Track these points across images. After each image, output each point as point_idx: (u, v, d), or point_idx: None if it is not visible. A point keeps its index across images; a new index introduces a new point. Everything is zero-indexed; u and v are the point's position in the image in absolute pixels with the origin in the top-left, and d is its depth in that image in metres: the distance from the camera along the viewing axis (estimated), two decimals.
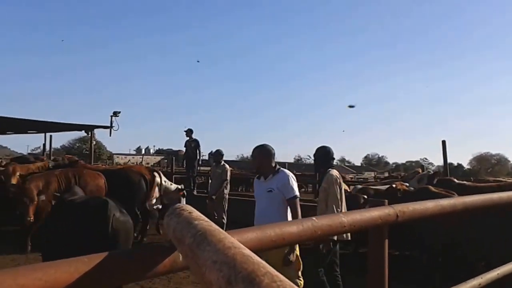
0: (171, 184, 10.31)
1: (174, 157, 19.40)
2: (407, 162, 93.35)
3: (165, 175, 10.51)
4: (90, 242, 3.80)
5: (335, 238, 4.84)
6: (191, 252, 0.97)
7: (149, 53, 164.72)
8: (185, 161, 14.38)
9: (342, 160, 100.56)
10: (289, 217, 4.25)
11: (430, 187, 6.97)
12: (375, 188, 9.33)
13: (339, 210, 5.00)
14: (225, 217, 9.43)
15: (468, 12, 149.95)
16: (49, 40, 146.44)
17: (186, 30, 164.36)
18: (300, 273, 4.41)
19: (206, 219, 1.14)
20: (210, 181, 11.37)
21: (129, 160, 61.48)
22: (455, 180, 8.50)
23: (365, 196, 7.34)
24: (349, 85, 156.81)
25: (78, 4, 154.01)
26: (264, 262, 0.78)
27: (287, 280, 0.73)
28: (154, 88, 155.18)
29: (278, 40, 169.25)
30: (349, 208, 5.07)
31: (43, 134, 19.99)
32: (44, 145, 19.91)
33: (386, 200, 2.31)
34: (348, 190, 9.36)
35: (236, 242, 0.92)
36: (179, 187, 10.36)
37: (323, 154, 5.43)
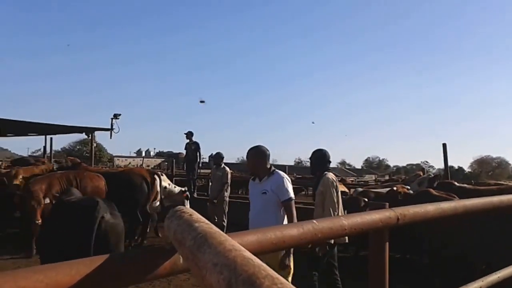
0: (174, 187, 10.34)
1: (174, 160, 19.43)
2: (407, 165, 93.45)
3: None
4: (79, 243, 3.85)
5: (332, 241, 4.83)
6: (191, 254, 0.97)
7: (149, 55, 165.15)
8: (186, 164, 14.37)
9: (343, 163, 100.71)
10: (285, 220, 4.21)
11: (431, 190, 6.96)
12: (375, 191, 9.34)
13: (336, 213, 4.99)
14: (225, 220, 9.42)
15: (468, 14, 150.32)
16: (50, 41, 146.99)
17: (186, 31, 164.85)
18: (290, 277, 4.34)
19: (207, 221, 1.14)
20: (210, 183, 11.37)
21: (129, 163, 61.49)
22: (456, 183, 8.49)
23: (366, 199, 7.34)
24: (349, 87, 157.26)
25: (78, 5, 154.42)
26: (264, 265, 0.79)
27: (287, 282, 0.73)
28: (155, 90, 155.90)
29: (279, 42, 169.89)
30: (350, 211, 5.07)
31: (43, 136, 19.96)
32: (45, 147, 19.87)
33: (387, 203, 2.31)
34: (349, 193, 9.38)
35: (237, 244, 0.92)
36: (183, 189, 10.39)
37: (319, 157, 5.42)
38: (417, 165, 78.10)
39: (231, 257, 0.83)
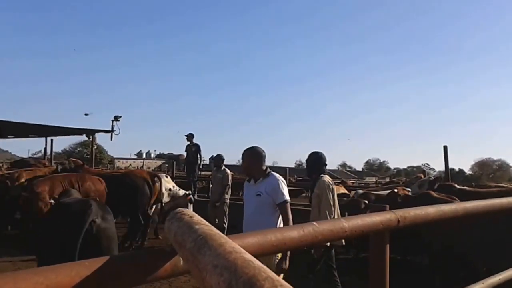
0: (179, 190, 10.37)
1: (174, 162, 19.45)
2: (408, 167, 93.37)
3: None
4: (66, 246, 3.86)
5: (328, 243, 4.82)
6: (192, 256, 0.97)
7: (150, 56, 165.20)
8: (186, 166, 14.38)
9: (344, 165, 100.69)
10: (280, 222, 4.15)
11: (432, 192, 6.96)
12: (376, 193, 9.33)
13: (332, 216, 4.99)
14: (226, 222, 9.42)
15: (468, 17, 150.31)
16: (50, 42, 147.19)
17: (187, 33, 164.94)
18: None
19: (207, 223, 1.14)
20: (211, 185, 11.37)
21: (130, 165, 61.54)
22: (456, 185, 8.48)
23: (366, 201, 7.34)
24: (350, 90, 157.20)
25: (79, 6, 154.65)
26: (265, 267, 0.78)
27: (288, 284, 0.73)
28: (155, 92, 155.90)
29: (280, 44, 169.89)
30: (350, 213, 5.07)
31: (44, 138, 20.01)
32: (45, 149, 19.90)
33: (388, 205, 2.31)
34: (351, 195, 9.37)
35: (237, 246, 0.92)
36: (187, 192, 10.41)
37: (315, 160, 5.42)
38: (418, 167, 78.21)
39: (232, 259, 0.83)
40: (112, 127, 17.84)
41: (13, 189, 8.31)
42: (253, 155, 4.36)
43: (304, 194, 20.88)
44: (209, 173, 16.02)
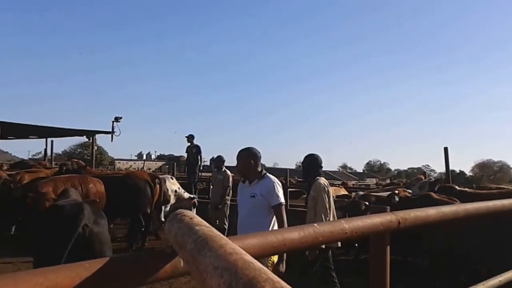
0: (184, 192, 10.39)
1: (175, 163, 19.41)
2: (409, 168, 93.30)
3: None
4: (56, 249, 3.90)
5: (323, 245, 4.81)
6: (192, 257, 0.97)
7: (150, 58, 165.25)
8: (186, 167, 14.37)
9: (344, 166, 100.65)
10: (274, 225, 4.09)
11: (432, 193, 6.95)
12: (376, 194, 9.32)
13: (327, 218, 5.00)
14: (226, 223, 9.42)
15: (468, 18, 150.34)
16: (50, 43, 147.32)
17: (188, 34, 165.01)
18: None
19: (208, 224, 1.14)
20: (211, 187, 11.37)
21: (130, 166, 61.48)
22: (457, 187, 8.47)
23: (366, 203, 7.34)
24: (351, 91, 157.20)
25: (79, 7, 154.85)
26: (265, 268, 0.78)
27: (288, 286, 0.73)
28: (156, 93, 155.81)
29: (281, 45, 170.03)
30: (351, 214, 5.07)
31: (44, 139, 20.02)
32: (46, 150, 19.91)
33: (388, 207, 2.31)
34: (352, 197, 9.37)
35: (238, 248, 0.92)
36: (192, 196, 10.43)
37: (311, 162, 5.42)
38: (419, 168, 78.10)
39: (232, 260, 0.82)
40: (113, 128, 17.87)
41: (15, 190, 8.31)
42: (249, 156, 4.27)
43: (304, 196, 20.86)
44: (210, 174, 16.02)
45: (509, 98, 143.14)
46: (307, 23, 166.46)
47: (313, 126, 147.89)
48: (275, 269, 3.97)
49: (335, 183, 22.61)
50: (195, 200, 10.43)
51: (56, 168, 11.26)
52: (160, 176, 10.97)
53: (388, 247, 2.22)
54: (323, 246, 4.82)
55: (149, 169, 47.90)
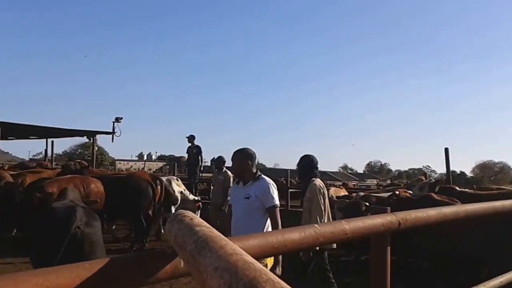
0: (189, 194, 10.41)
1: (176, 163, 19.41)
2: (409, 169, 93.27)
3: None
4: (50, 250, 4.07)
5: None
6: (192, 258, 0.97)
7: (150, 58, 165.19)
8: (187, 167, 14.39)
9: (345, 167, 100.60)
10: (268, 226, 4.06)
11: (433, 194, 6.94)
12: (377, 195, 9.31)
13: (323, 220, 5.00)
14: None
15: (469, 19, 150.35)
16: (51, 43, 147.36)
17: (188, 34, 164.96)
18: None
19: (208, 225, 1.14)
20: (212, 187, 11.38)
21: (131, 166, 61.49)
22: (457, 188, 8.47)
23: (367, 203, 7.33)
24: (351, 91, 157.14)
25: (79, 7, 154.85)
26: (266, 269, 0.78)
27: (289, 287, 0.73)
28: (156, 93, 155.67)
29: (281, 45, 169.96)
30: (351, 215, 5.06)
31: (44, 140, 20.02)
32: (46, 150, 19.92)
33: (389, 207, 2.31)
34: (354, 197, 9.37)
35: (238, 248, 0.92)
36: (196, 198, 10.44)
37: (307, 163, 5.41)
38: (419, 169, 78.00)
39: (232, 261, 0.82)
40: (113, 129, 17.89)
41: (19, 191, 8.32)
42: (246, 157, 4.24)
43: None
44: (210, 175, 16.02)
45: (510, 99, 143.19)
46: (307, 23, 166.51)
47: (313, 127, 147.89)
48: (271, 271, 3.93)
49: (335, 184, 22.62)
50: (199, 203, 10.46)
51: (58, 169, 11.26)
52: (167, 177, 11.04)
53: (389, 247, 2.22)
54: (317, 248, 4.82)
55: (150, 169, 47.88)
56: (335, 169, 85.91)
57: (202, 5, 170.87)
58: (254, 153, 4.31)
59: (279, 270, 3.98)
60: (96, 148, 20.70)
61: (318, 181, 5.22)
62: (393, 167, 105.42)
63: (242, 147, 4.34)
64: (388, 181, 40.52)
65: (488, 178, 76.52)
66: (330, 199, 8.09)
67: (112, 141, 18.03)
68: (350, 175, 72.33)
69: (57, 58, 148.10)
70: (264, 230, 3.95)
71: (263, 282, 0.72)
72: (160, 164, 75.98)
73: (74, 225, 4.19)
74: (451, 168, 11.38)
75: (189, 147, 13.71)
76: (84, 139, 22.20)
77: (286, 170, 14.83)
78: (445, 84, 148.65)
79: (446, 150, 10.83)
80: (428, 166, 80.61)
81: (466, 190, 9.05)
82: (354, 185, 26.75)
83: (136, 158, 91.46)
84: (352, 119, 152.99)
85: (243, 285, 0.73)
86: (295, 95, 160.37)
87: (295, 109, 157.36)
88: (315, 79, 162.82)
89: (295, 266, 5.04)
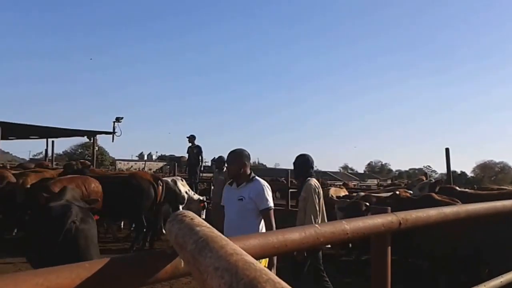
0: (194, 194, 10.43)
1: (176, 163, 19.42)
2: (410, 169, 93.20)
3: None
4: (47, 245, 4.21)
5: None
6: (192, 258, 0.97)
7: (150, 58, 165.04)
8: (188, 167, 14.40)
9: (345, 167, 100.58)
10: (262, 228, 4.02)
11: (433, 194, 6.94)
12: (377, 195, 9.31)
13: (317, 220, 5.00)
14: None
15: (469, 19, 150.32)
16: (51, 43, 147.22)
17: (189, 34, 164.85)
18: None
19: (208, 225, 1.14)
20: (212, 187, 11.39)
21: (131, 166, 61.54)
22: (457, 188, 8.47)
23: (367, 203, 7.32)
24: (352, 91, 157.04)
25: (79, 7, 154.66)
26: (266, 269, 0.78)
27: (289, 287, 0.73)
28: (156, 93, 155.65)
29: (281, 45, 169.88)
30: (351, 215, 5.05)
31: (45, 140, 20.05)
32: (46, 150, 19.94)
33: (389, 207, 2.31)
34: (355, 197, 9.37)
35: (238, 248, 0.92)
36: (201, 198, 10.46)
37: (302, 163, 5.40)
38: (420, 169, 77.97)
39: (233, 261, 0.82)
40: (114, 129, 17.91)
41: (20, 195, 8.33)
42: (243, 158, 4.21)
43: None
44: (211, 175, 16.03)
45: (510, 99, 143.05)
46: (307, 23, 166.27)
47: (314, 127, 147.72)
48: None
49: (336, 183, 22.62)
50: (205, 203, 10.49)
51: (59, 169, 11.28)
52: (172, 178, 11.07)
53: (389, 247, 2.22)
54: None
55: (150, 169, 47.91)
56: (336, 169, 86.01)
57: (202, 5, 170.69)
58: (249, 155, 4.29)
59: (273, 271, 3.91)
60: (97, 148, 20.72)
61: (314, 181, 5.21)
62: (394, 167, 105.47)
63: (236, 148, 4.31)
64: (389, 181, 40.54)
65: (489, 178, 76.48)
66: (331, 199, 8.11)
67: (113, 141, 18.09)
68: (351, 175, 72.33)
69: (57, 58, 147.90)
70: (259, 231, 3.94)
71: (263, 282, 0.72)
72: (161, 164, 76.04)
73: (70, 219, 4.30)
74: (452, 168, 11.39)
75: (189, 147, 13.73)
76: (85, 139, 22.26)
77: (287, 170, 14.83)
78: (445, 84, 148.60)
79: (447, 150, 10.83)
80: (429, 166, 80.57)
81: (467, 190, 9.05)
82: (354, 185, 26.76)
83: (137, 158, 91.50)
84: (353, 119, 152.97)
85: (244, 285, 0.73)
86: (295, 95, 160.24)
87: (295, 109, 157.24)
88: (315, 79, 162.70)
89: (291, 266, 5.03)
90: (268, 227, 4.00)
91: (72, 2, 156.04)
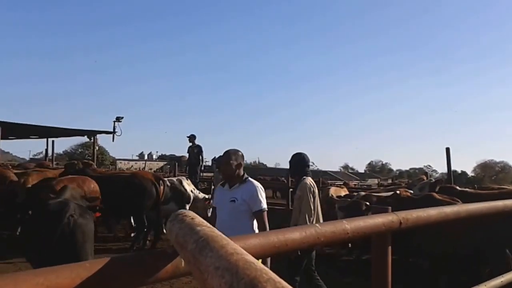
0: (199, 193, 10.45)
1: (176, 163, 19.43)
2: (411, 169, 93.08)
3: None
4: (46, 240, 4.28)
5: None
6: (193, 258, 0.97)
7: (150, 58, 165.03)
8: (188, 167, 14.41)
9: (346, 166, 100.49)
10: (255, 230, 3.97)
11: (434, 194, 6.93)
12: (378, 195, 9.31)
13: (312, 218, 4.96)
14: None
15: (469, 19, 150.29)
16: (51, 43, 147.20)
17: (189, 33, 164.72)
18: None
19: (209, 225, 1.14)
20: (212, 187, 11.40)
21: (132, 166, 61.58)
22: (458, 187, 8.47)
23: (368, 203, 7.32)
24: (352, 91, 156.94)
25: (79, 6, 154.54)
26: (266, 269, 0.78)
27: (289, 286, 0.73)
28: (156, 93, 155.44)
29: (281, 45, 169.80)
30: (352, 215, 5.05)
31: (45, 139, 20.06)
32: (46, 150, 19.96)
33: (390, 207, 2.31)
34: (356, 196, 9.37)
35: (239, 248, 0.92)
36: (206, 197, 10.46)
37: (298, 161, 5.37)
38: (420, 169, 77.92)
39: (233, 260, 0.82)
40: (114, 128, 17.90)
41: (21, 194, 8.34)
42: (239, 159, 4.16)
43: None
44: (211, 174, 16.05)
45: (510, 98, 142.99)
46: (307, 23, 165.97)
47: (314, 126, 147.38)
48: None
49: (336, 183, 22.62)
50: (210, 201, 10.49)
51: (61, 168, 11.29)
52: (177, 177, 11.08)
53: (390, 247, 2.22)
54: None
55: (151, 169, 47.99)
56: (336, 169, 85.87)
57: (202, 5, 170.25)
58: (243, 155, 4.23)
59: None
60: (97, 148, 20.74)
61: (309, 180, 5.18)
62: (394, 167, 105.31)
63: (230, 148, 4.24)
64: (389, 181, 40.52)
65: (489, 178, 76.42)
66: (331, 198, 8.11)
67: (113, 141, 18.07)
68: (351, 175, 72.30)
69: (57, 58, 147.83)
70: (253, 232, 3.90)
71: (264, 282, 0.72)
72: (161, 163, 76.13)
73: (67, 214, 4.39)
74: (452, 168, 11.40)
75: (190, 147, 13.73)
76: (85, 139, 22.28)
77: (287, 169, 14.85)
78: (445, 83, 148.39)
79: (447, 149, 10.84)
80: (429, 165, 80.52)
81: (467, 189, 9.04)
82: (355, 184, 26.80)
83: (137, 158, 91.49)
84: (353, 119, 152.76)
85: (244, 285, 0.73)
86: (295, 95, 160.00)
87: (295, 108, 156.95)
88: (315, 79, 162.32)
89: (287, 266, 5.01)
90: (262, 228, 3.94)
91: (72, 1, 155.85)
